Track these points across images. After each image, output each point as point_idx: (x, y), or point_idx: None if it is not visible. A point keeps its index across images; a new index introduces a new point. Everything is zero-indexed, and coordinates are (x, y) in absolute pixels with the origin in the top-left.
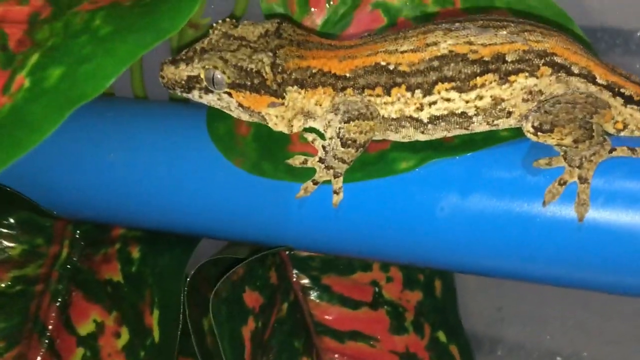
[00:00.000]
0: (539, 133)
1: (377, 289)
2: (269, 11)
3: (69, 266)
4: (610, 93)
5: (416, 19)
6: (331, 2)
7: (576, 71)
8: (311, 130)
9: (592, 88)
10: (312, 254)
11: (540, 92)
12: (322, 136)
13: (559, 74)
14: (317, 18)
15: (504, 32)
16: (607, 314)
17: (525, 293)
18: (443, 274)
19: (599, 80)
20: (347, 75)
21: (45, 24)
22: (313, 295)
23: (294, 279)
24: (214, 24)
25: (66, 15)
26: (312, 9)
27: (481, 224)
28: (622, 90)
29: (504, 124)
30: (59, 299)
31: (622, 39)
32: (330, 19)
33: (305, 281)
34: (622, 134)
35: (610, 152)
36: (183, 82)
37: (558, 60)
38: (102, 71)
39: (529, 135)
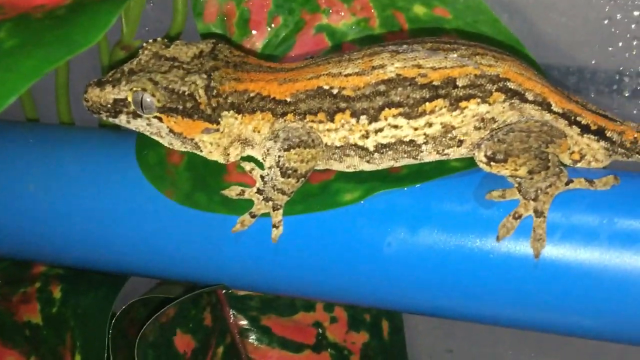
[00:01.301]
0: (492, 163)
1: (320, 331)
2: (206, 32)
3: None
4: (566, 122)
5: (363, 43)
6: (272, 25)
7: (530, 98)
8: (249, 159)
9: (547, 116)
10: (251, 293)
11: (493, 120)
12: (260, 165)
13: (513, 101)
14: (257, 40)
15: (455, 55)
16: (562, 357)
17: (477, 334)
18: (391, 313)
19: (554, 108)
20: (288, 99)
21: None
22: (252, 337)
23: (231, 320)
24: (144, 44)
25: None
26: (252, 31)
27: (431, 260)
28: (578, 118)
29: (454, 153)
30: None
31: (576, 67)
32: (271, 42)
33: (244, 322)
34: (578, 164)
35: (567, 184)
36: (109, 105)
37: (511, 85)
38: (1, 88)
39: (481, 165)
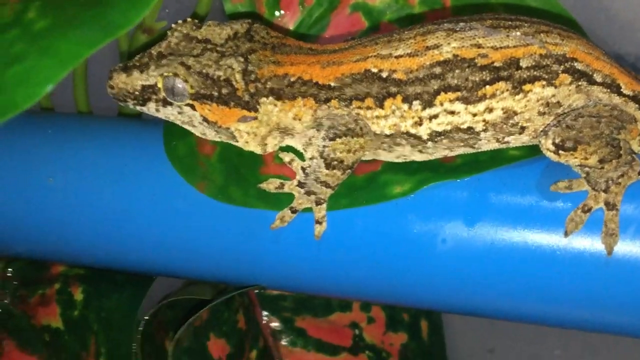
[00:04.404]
0: (560, 151)
1: (357, 332)
2: (234, 12)
3: None
4: (637, 105)
5: (401, 22)
6: (305, 4)
7: (599, 79)
8: (288, 149)
9: (616, 99)
10: (284, 293)
11: (558, 104)
12: (300, 156)
13: (580, 83)
14: (289, 21)
15: (518, 33)
16: (615, 356)
17: (519, 331)
18: (430, 312)
19: (624, 91)
20: (332, 84)
21: None
22: (285, 340)
23: (264, 322)
24: (173, 25)
25: None
26: (283, 12)
27: (490, 258)
28: None
29: (515, 141)
30: None
31: (635, 45)
32: (304, 22)
33: (276, 324)
34: None
35: None
36: (137, 92)
37: (579, 66)
38: (36, 75)
39: (548, 154)
